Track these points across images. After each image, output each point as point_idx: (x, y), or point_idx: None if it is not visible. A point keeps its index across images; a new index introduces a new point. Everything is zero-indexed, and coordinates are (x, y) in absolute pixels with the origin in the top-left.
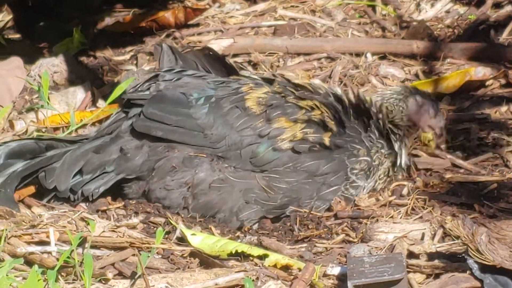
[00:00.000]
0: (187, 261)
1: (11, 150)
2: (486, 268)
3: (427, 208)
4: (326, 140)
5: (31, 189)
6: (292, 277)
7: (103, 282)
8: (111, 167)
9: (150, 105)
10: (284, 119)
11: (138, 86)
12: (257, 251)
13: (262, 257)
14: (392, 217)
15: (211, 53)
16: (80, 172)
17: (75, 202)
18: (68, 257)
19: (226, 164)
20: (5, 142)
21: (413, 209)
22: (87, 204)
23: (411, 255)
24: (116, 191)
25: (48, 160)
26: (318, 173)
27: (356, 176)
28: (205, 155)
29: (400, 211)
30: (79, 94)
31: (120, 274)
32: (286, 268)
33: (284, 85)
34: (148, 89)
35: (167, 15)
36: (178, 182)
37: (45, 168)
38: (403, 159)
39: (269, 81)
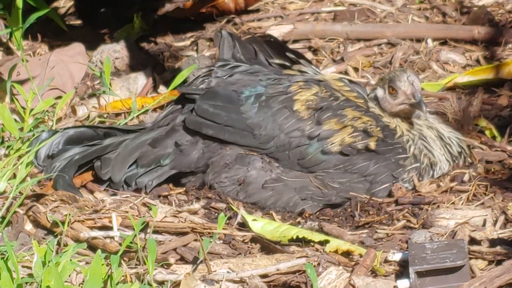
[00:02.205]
0: (249, 247)
1: (69, 136)
2: None
3: (488, 195)
4: (372, 145)
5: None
6: (353, 263)
7: (165, 267)
8: (166, 161)
9: (202, 102)
10: (334, 121)
11: (192, 80)
12: (318, 237)
13: (323, 243)
14: (453, 203)
15: (271, 40)
16: (135, 164)
17: (119, 185)
18: (130, 242)
19: (277, 164)
20: (64, 129)
21: (474, 195)
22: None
23: (473, 241)
24: (173, 180)
25: (104, 149)
26: (367, 173)
27: (406, 173)
28: (256, 154)
29: (461, 197)
30: (140, 80)
31: (182, 259)
32: (347, 254)
33: (330, 88)
34: (202, 83)
35: (227, 1)
36: (231, 179)
37: (101, 157)
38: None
39: (318, 82)
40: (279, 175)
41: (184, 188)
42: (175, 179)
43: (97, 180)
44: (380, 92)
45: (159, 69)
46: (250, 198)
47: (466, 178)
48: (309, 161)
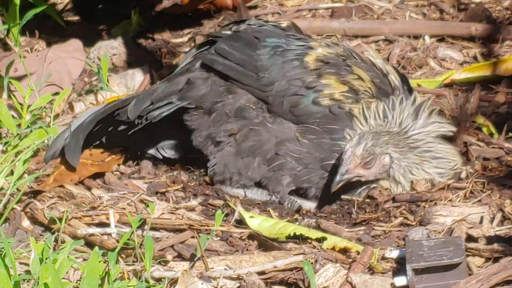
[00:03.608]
0: (246, 244)
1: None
2: None
3: (485, 192)
4: (356, 111)
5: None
6: (350, 260)
7: (163, 263)
8: (176, 97)
9: (223, 41)
10: (334, 78)
11: (224, 26)
12: (315, 234)
13: (320, 240)
14: (450, 200)
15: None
16: (150, 101)
17: (138, 127)
18: (128, 239)
19: (270, 113)
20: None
21: (471, 192)
22: (146, 185)
23: (470, 238)
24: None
25: (122, 103)
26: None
27: None
28: (254, 107)
29: (458, 195)
30: (137, 76)
31: (180, 256)
32: (344, 251)
33: (349, 51)
34: (230, 29)
35: None
36: (227, 132)
37: (120, 110)
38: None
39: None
40: (265, 122)
41: (182, 185)
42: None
43: (98, 175)
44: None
45: (156, 65)
46: (239, 145)
47: (463, 175)
48: (300, 110)
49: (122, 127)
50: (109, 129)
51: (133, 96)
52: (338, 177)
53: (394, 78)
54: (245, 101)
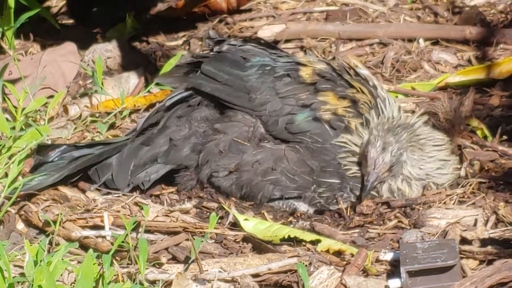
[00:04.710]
0: (240, 246)
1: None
2: None
3: (480, 194)
4: (353, 125)
5: None
6: (344, 262)
7: (157, 266)
8: (162, 160)
9: (209, 63)
10: (332, 94)
11: (204, 50)
12: (309, 236)
13: (314, 242)
14: (444, 203)
15: (262, 41)
16: (133, 166)
17: (125, 191)
18: (122, 242)
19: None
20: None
21: (465, 194)
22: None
23: (464, 241)
24: (169, 178)
25: (98, 157)
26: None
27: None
28: (248, 144)
29: (453, 197)
30: (132, 79)
31: (174, 259)
32: (338, 253)
33: (342, 66)
34: (211, 50)
35: (220, 1)
36: (225, 167)
37: (97, 165)
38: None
39: (329, 63)
40: (264, 146)
41: (176, 188)
42: (171, 176)
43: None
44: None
45: (151, 68)
46: (241, 178)
47: (462, 173)
48: (296, 126)
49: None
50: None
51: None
52: (369, 186)
53: (381, 90)
54: (238, 135)
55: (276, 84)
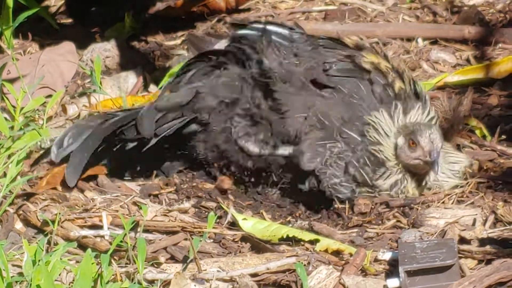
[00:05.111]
0: (239, 246)
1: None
2: None
3: (478, 194)
4: (397, 86)
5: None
6: (343, 262)
7: (156, 266)
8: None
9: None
10: (374, 56)
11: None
12: (308, 236)
13: (313, 242)
14: (443, 202)
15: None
16: (160, 114)
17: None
18: (120, 241)
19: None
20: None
21: (464, 194)
22: (139, 188)
23: (463, 240)
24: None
25: (125, 119)
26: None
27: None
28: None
29: (451, 197)
30: (130, 78)
31: (172, 258)
32: (337, 253)
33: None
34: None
35: (218, 0)
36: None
37: (124, 127)
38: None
39: None
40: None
41: (175, 187)
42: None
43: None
44: (400, 141)
45: (149, 68)
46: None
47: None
48: (335, 71)
49: (130, 146)
50: (115, 148)
51: (132, 111)
52: (436, 164)
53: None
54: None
55: (320, 41)
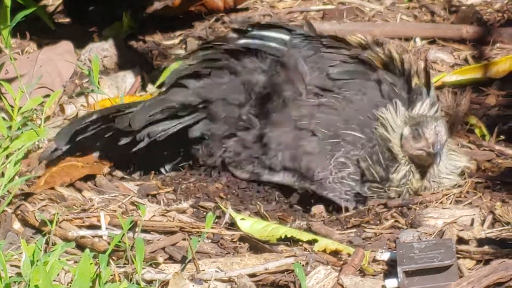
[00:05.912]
0: (237, 246)
1: None
2: None
3: (477, 194)
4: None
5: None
6: (341, 262)
7: (154, 266)
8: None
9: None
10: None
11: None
12: (306, 236)
13: (311, 242)
14: (441, 202)
15: None
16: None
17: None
18: (119, 241)
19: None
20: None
21: (462, 194)
22: (137, 188)
23: (461, 241)
24: None
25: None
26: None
27: None
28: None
29: (449, 197)
30: (128, 78)
31: (171, 258)
32: (335, 253)
33: None
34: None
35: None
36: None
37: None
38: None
39: None
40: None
41: (173, 187)
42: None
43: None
44: (406, 131)
45: (147, 67)
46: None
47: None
48: (338, 74)
49: (122, 141)
50: (106, 135)
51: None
52: (438, 155)
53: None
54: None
55: (323, 41)
